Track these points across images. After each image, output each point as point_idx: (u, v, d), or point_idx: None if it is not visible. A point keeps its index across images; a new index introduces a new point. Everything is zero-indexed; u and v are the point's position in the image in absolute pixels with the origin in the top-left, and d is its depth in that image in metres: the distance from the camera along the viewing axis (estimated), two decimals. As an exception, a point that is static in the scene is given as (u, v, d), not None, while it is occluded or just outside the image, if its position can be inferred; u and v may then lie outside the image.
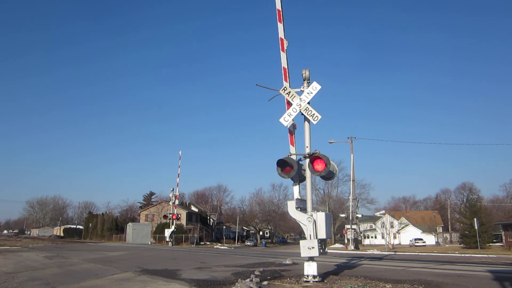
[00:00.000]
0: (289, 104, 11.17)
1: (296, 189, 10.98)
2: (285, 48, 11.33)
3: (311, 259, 10.07)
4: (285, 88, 11.27)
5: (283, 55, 11.37)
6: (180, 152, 51.97)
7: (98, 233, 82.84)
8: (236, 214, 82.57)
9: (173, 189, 51.87)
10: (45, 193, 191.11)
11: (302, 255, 10.00)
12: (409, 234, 77.02)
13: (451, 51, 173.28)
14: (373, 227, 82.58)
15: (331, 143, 46.16)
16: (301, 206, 10.73)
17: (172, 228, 52.09)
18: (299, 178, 11.17)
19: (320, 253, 9.95)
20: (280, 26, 11.43)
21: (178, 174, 51.52)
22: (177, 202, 52.66)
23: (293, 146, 11.13)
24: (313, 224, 10.06)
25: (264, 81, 11.75)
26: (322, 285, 9.60)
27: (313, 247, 9.80)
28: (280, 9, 11.47)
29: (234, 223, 76.49)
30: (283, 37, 11.36)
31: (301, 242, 10.05)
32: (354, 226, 48.83)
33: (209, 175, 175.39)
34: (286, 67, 11.32)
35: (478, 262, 19.91)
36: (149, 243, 61.64)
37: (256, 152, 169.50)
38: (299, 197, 10.78)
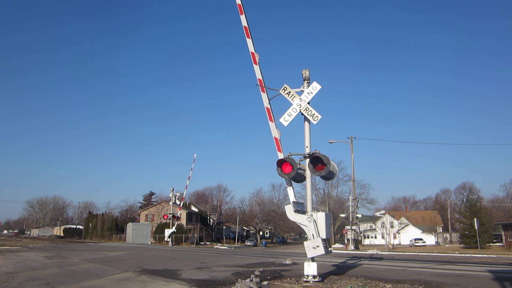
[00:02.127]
0: (270, 112, 11.18)
1: (291, 191, 10.88)
2: (257, 61, 11.46)
3: (311, 259, 10.07)
4: (285, 88, 11.29)
5: (256, 68, 11.48)
6: (195, 156, 52.01)
7: (98, 233, 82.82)
8: (236, 214, 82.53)
9: (173, 189, 51.82)
10: (45, 193, 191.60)
11: (308, 256, 9.97)
12: (409, 234, 77.02)
13: (451, 51, 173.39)
14: (373, 227, 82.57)
15: (331, 143, 46.18)
16: (299, 208, 10.68)
17: (173, 228, 52.04)
18: (298, 179, 11.17)
19: (326, 252, 9.92)
20: (249, 41, 11.59)
21: (189, 177, 51.32)
22: (181, 204, 52.17)
23: (281, 152, 10.94)
24: (314, 223, 10.05)
25: (264, 81, 11.76)
26: (322, 285, 9.60)
27: (318, 246, 9.79)
28: (247, 26, 11.65)
29: (234, 223, 76.47)
30: (253, 51, 11.50)
31: (305, 243, 10.03)
32: (354, 226, 48.83)
33: (209, 175, 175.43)
34: (261, 78, 11.43)
35: (478, 262, 19.90)
36: (149, 243, 61.64)
37: (256, 152, 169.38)
38: (295, 200, 10.74)
